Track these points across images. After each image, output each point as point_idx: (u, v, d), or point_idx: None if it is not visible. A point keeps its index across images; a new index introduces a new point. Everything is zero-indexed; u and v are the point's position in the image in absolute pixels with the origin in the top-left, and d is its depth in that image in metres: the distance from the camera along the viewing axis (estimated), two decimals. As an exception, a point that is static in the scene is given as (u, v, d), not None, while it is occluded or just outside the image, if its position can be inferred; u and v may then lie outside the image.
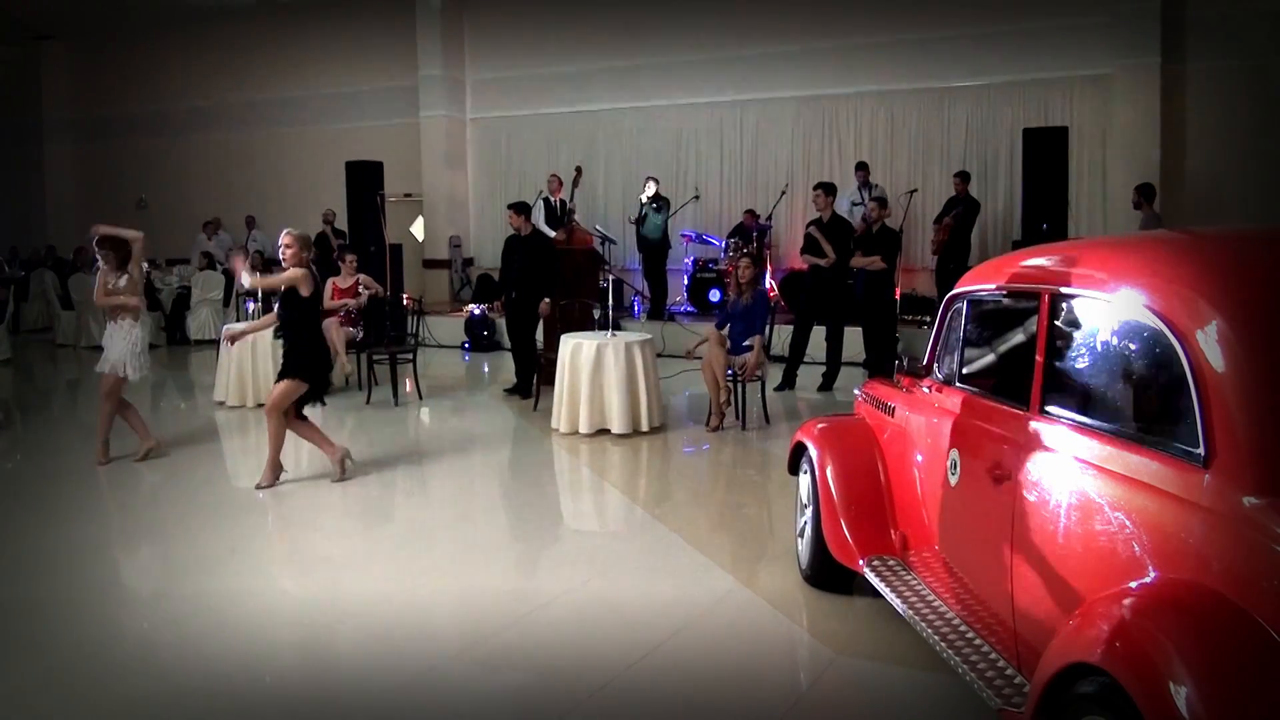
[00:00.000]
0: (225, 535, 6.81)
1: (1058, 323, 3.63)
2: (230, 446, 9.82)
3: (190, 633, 5.15)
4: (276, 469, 7.90)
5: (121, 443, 8.78)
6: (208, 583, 5.90)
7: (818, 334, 11.83)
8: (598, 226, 16.27)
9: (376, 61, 19.84)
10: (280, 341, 8.18)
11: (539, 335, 11.68)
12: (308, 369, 7.75)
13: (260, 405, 10.99)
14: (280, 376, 7.78)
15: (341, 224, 16.81)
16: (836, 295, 11.65)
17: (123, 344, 8.41)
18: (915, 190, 14.84)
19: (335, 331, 11.52)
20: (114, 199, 22.49)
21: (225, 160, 21.79)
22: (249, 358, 11.15)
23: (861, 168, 15.17)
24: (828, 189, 11.80)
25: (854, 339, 12.26)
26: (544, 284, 11.20)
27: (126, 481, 8.27)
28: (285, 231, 7.82)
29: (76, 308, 17.63)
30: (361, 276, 12.22)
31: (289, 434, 7.88)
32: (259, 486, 7.77)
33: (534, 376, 11.20)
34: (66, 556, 6.40)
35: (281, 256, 7.78)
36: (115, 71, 23.27)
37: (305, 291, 7.69)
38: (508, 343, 15.47)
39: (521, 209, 11.56)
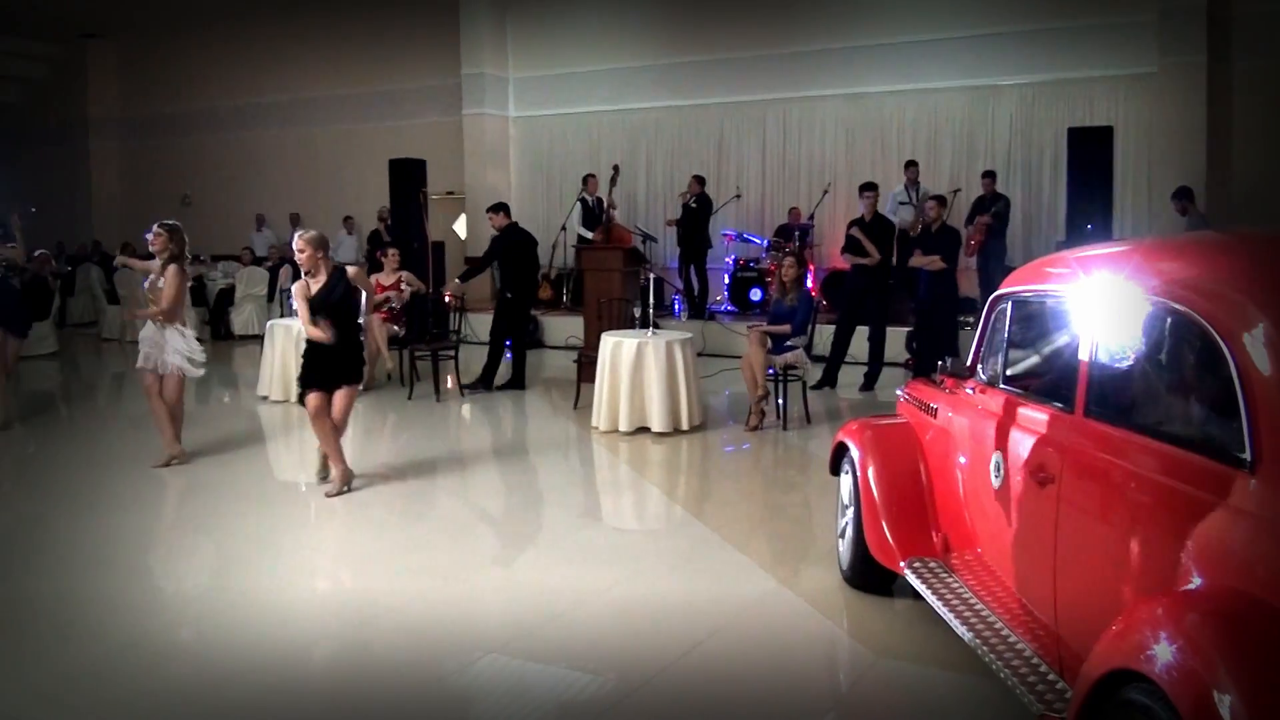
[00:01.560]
0: (268, 529, 6.88)
1: (1103, 324, 3.60)
2: (273, 441, 9.89)
3: (232, 624, 5.19)
4: (347, 470, 7.69)
5: (148, 441, 8.83)
6: (250, 575, 5.96)
7: (860, 333, 11.77)
8: (638, 225, 16.28)
9: (420, 60, 19.91)
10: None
11: (580, 334, 11.77)
12: (359, 370, 7.76)
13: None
14: (331, 383, 7.49)
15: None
16: (879, 295, 11.59)
17: (164, 345, 8.37)
18: (959, 190, 14.74)
19: (378, 328, 11.62)
20: (159, 196, 22.72)
21: (270, 157, 21.95)
22: (293, 354, 11.21)
23: (910, 166, 15.07)
24: (872, 188, 11.76)
25: (894, 338, 12.19)
26: (532, 282, 12.04)
27: (170, 475, 8.34)
28: (298, 236, 7.60)
29: (122, 302, 17.80)
30: (404, 274, 12.28)
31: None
32: (330, 495, 7.54)
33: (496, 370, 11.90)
34: (111, 549, 6.47)
35: (299, 262, 7.61)
36: (161, 70, 23.49)
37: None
38: (549, 340, 15.69)
39: (500, 208, 11.98)
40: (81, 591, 5.71)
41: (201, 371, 8.56)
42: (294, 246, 7.62)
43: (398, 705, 4.35)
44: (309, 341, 7.53)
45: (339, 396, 7.49)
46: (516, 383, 11.98)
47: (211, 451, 8.93)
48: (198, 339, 8.64)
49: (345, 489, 7.57)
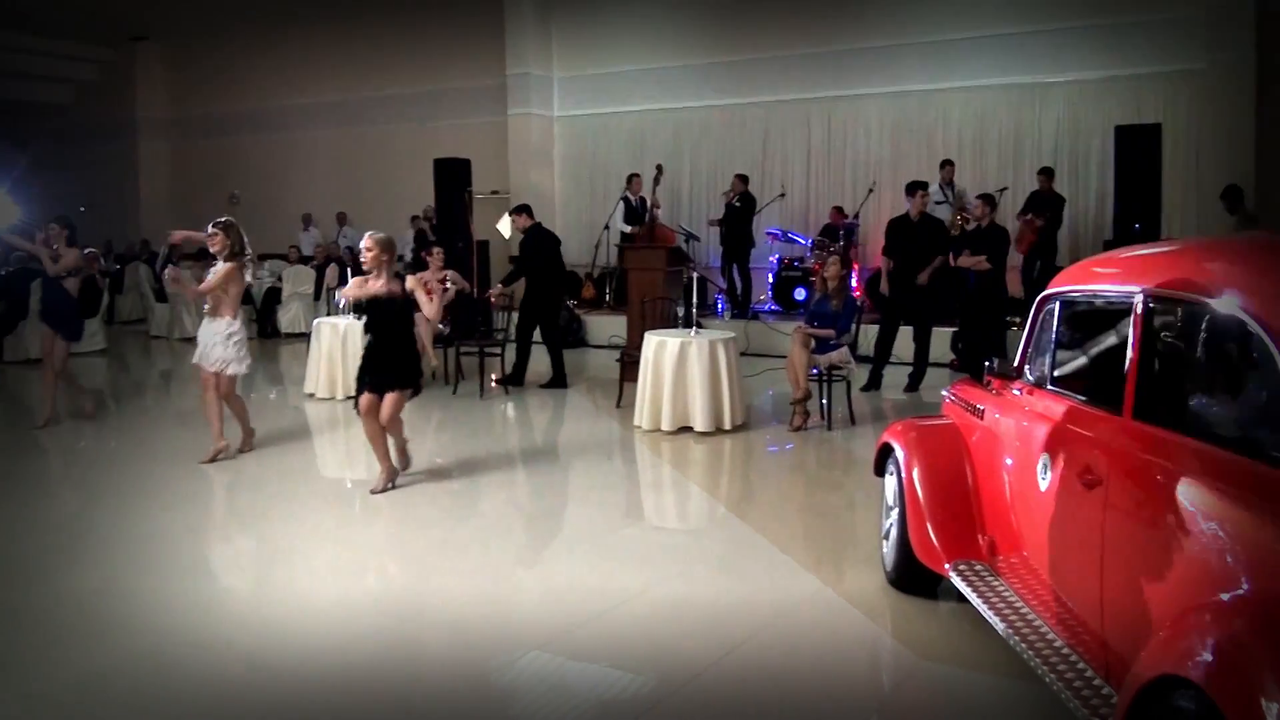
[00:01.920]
0: (312, 526, 6.93)
1: (1152, 326, 3.55)
2: (320, 439, 9.96)
3: (276, 620, 5.24)
4: (392, 469, 7.80)
5: (194, 437, 8.94)
6: (293, 571, 6.02)
7: (905, 333, 11.71)
8: (681, 224, 16.27)
9: (466, 60, 19.97)
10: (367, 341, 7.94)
11: (622, 333, 11.79)
12: (413, 375, 7.73)
13: (350, 398, 11.16)
14: (385, 386, 7.53)
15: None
16: (921, 295, 11.51)
17: (214, 337, 8.53)
18: (1005, 188, 14.61)
19: (423, 326, 11.67)
20: (206, 195, 22.92)
21: (316, 157, 22.11)
22: (339, 351, 11.34)
23: (946, 165, 14.95)
24: (923, 187, 11.70)
25: (939, 339, 12.11)
26: (559, 279, 12.34)
27: (216, 470, 8.42)
28: (368, 235, 7.67)
29: (170, 300, 18.00)
30: (449, 272, 12.33)
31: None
32: (374, 491, 7.62)
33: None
34: (156, 545, 6.54)
35: (362, 260, 7.68)
36: (208, 71, 23.72)
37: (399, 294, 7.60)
38: (592, 340, 15.72)
39: (523, 210, 12.27)
40: (125, 587, 5.77)
41: (243, 369, 8.63)
42: (362, 245, 7.70)
43: (440, 702, 4.38)
44: (367, 344, 7.62)
45: (387, 400, 7.51)
46: (558, 381, 12.01)
47: (258, 448, 9.00)
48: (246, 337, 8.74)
49: (389, 487, 7.63)
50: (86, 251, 11.27)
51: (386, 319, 7.54)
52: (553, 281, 12.26)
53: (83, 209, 24.00)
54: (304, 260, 18.76)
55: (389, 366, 7.55)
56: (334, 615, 5.29)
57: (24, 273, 15.19)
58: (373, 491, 7.57)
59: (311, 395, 11.47)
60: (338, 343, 11.33)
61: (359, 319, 8.09)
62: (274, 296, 18.23)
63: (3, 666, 4.69)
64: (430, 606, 5.40)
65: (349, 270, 13.03)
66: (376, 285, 7.54)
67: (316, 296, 17.84)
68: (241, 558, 6.51)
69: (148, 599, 5.55)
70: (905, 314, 11.66)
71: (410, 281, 7.65)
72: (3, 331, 14.92)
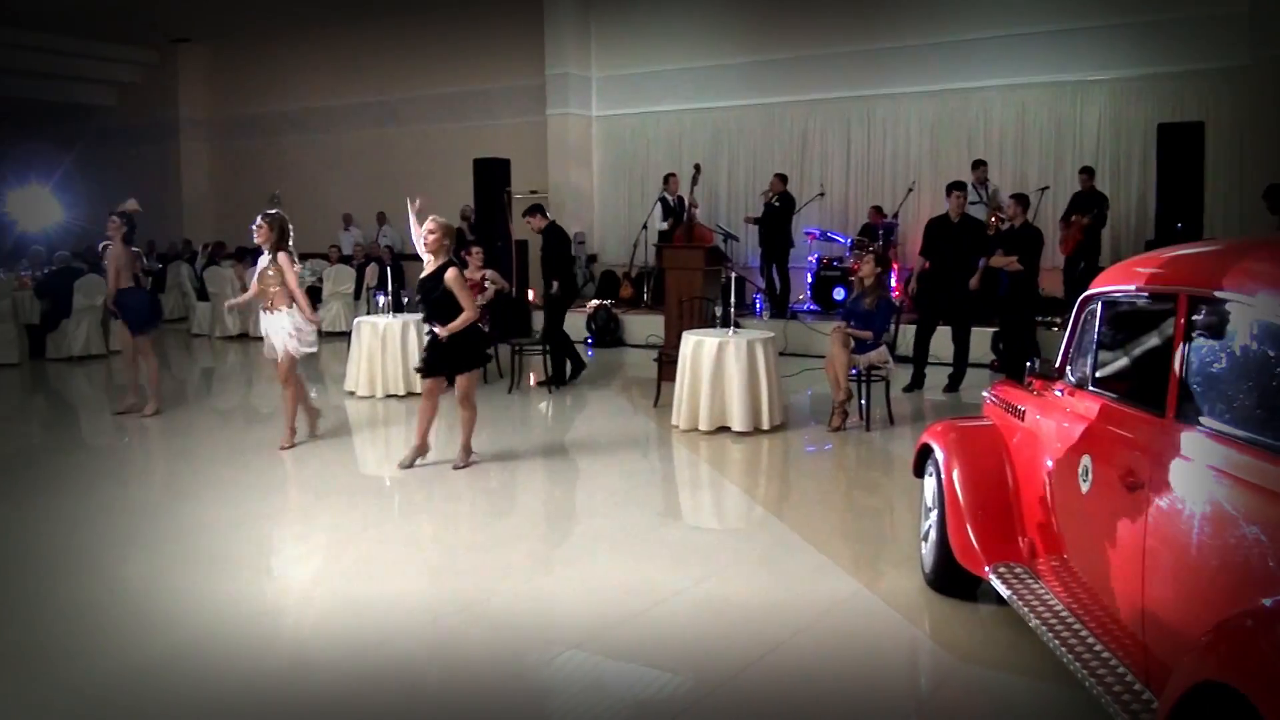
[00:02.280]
0: (352, 522, 6.98)
1: (1195, 326, 3.51)
2: (359, 435, 10.01)
3: (316, 614, 5.27)
4: (423, 448, 8.28)
5: (234, 434, 9.02)
6: (333, 567, 6.07)
7: (943, 334, 11.63)
8: (719, 224, 16.25)
9: (505, 61, 20.02)
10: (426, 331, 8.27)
11: (660, 333, 11.82)
12: (480, 355, 8.28)
13: (390, 396, 11.27)
14: (466, 367, 8.02)
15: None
16: (956, 295, 11.43)
17: (279, 330, 8.78)
18: (1046, 187, 14.51)
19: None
20: (248, 195, 23.09)
21: (356, 158, 22.22)
22: (379, 350, 11.40)
23: (979, 165, 14.83)
24: (961, 188, 11.64)
25: (979, 340, 12.03)
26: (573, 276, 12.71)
27: (261, 466, 8.48)
28: (431, 218, 7.99)
29: (211, 299, 18.15)
30: (488, 271, 12.37)
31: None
32: (456, 467, 8.18)
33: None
34: (201, 539, 6.60)
35: (424, 243, 7.95)
36: (250, 72, 23.94)
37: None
38: (630, 339, 15.74)
39: (536, 210, 12.36)
40: (171, 580, 5.83)
41: (309, 349, 8.84)
42: (425, 228, 8.00)
43: (477, 698, 4.39)
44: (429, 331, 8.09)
45: (458, 382, 8.06)
46: (558, 379, 12.14)
47: (298, 444, 9.07)
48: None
49: (410, 465, 8.17)
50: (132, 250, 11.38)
51: (448, 301, 7.83)
52: (572, 278, 12.41)
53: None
54: (344, 260, 18.88)
55: (452, 349, 7.91)
56: (373, 611, 5.32)
57: (67, 272, 15.38)
58: (400, 465, 8.18)
59: (352, 393, 11.54)
60: (378, 342, 11.41)
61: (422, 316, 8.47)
62: (315, 296, 18.29)
63: (48, 657, 4.75)
64: (468, 603, 5.41)
65: (389, 270, 13.10)
66: (434, 268, 7.92)
67: (357, 296, 17.96)
68: (282, 553, 6.55)
69: (193, 592, 5.60)
70: (942, 314, 11.58)
71: (451, 276, 7.79)
72: (46, 329, 15.09)
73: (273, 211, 8.96)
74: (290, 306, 8.76)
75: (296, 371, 8.97)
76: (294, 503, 7.63)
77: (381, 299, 12.44)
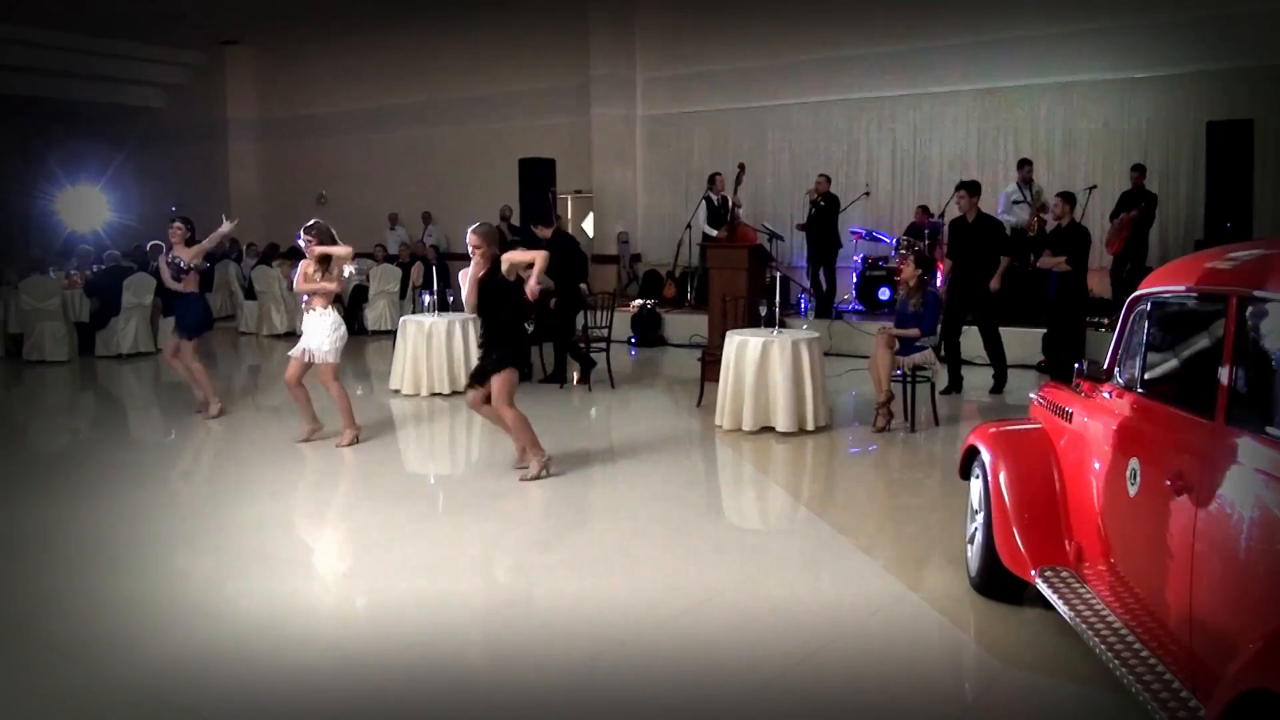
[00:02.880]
0: (398, 521, 7.00)
1: (1245, 327, 3.46)
2: (404, 434, 10.07)
3: (363, 611, 5.31)
4: (541, 454, 8.03)
5: (282, 432, 9.11)
6: (378, 566, 6.08)
7: (974, 335, 11.51)
8: (765, 224, 16.19)
9: (549, 61, 20.06)
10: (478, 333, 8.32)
11: (703, 333, 11.82)
12: (524, 355, 8.17)
13: (435, 394, 11.32)
14: (497, 367, 7.82)
15: (514, 219, 17.21)
16: (977, 296, 11.32)
17: (319, 330, 8.92)
18: (1094, 186, 14.34)
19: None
20: (295, 195, 23.38)
21: (401, 158, 22.35)
22: (424, 349, 11.47)
23: (1024, 164, 14.68)
24: (970, 188, 11.51)
25: (1016, 340, 11.92)
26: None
27: (310, 463, 8.54)
28: (471, 230, 7.97)
29: (258, 298, 18.31)
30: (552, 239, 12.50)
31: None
32: (523, 479, 7.90)
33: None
34: (250, 534, 6.66)
35: (473, 254, 7.95)
36: (297, 74, 24.15)
37: (511, 278, 7.83)
38: (673, 339, 15.74)
39: (544, 219, 12.60)
40: (218, 574, 5.90)
41: (330, 359, 8.90)
42: (468, 242, 7.95)
43: (524, 694, 4.41)
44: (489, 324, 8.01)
45: (493, 382, 7.80)
46: (559, 377, 12.24)
47: (315, 440, 9.15)
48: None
49: (542, 474, 7.93)
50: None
51: (493, 302, 7.82)
52: (572, 291, 12.53)
53: (174, 208, 24.50)
54: (390, 259, 18.99)
55: (492, 348, 7.87)
56: (417, 609, 5.35)
57: (116, 270, 15.57)
58: (522, 479, 7.91)
59: (397, 391, 11.60)
60: (423, 340, 11.48)
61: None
62: (361, 295, 18.47)
63: (100, 649, 4.80)
64: (511, 601, 5.44)
65: (434, 269, 13.17)
66: (480, 271, 7.87)
67: (402, 295, 18.07)
68: (329, 551, 6.61)
69: (243, 588, 5.66)
70: (965, 315, 11.43)
71: (503, 262, 7.83)
72: (95, 327, 15.27)
73: (312, 221, 9.25)
74: (327, 307, 8.88)
75: (335, 376, 9.11)
76: (341, 500, 7.67)
77: (427, 298, 12.50)
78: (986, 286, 11.25)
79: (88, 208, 24.73)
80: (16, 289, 15.16)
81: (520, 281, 7.80)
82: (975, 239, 11.26)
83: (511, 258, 7.82)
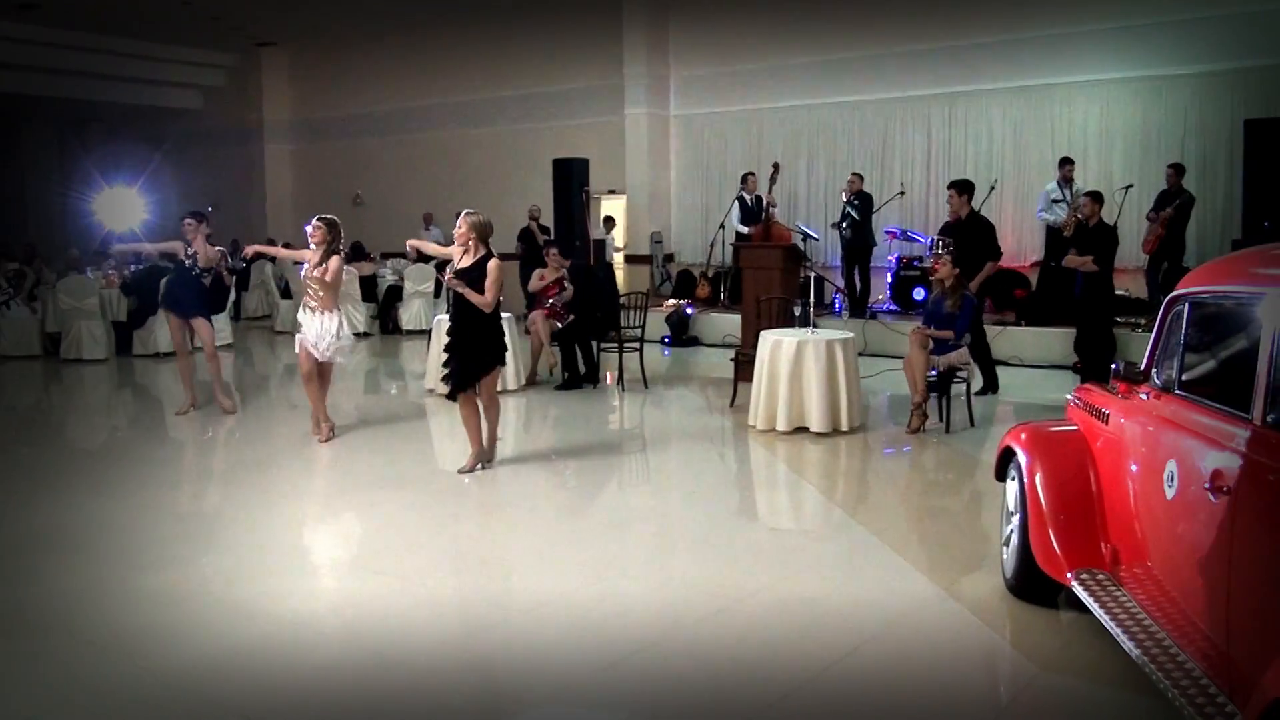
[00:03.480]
0: (426, 518, 7.05)
1: (1285, 329, 3.42)
2: (438, 433, 10.10)
3: (393, 609, 5.31)
4: (482, 451, 8.16)
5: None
6: (410, 565, 6.09)
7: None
8: (799, 223, 16.15)
9: (583, 61, 20.08)
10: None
11: (736, 332, 11.79)
12: (500, 353, 8.10)
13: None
14: (486, 370, 7.92)
15: (545, 219, 17.24)
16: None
17: (315, 329, 8.97)
18: (1131, 185, 14.19)
19: (541, 323, 11.91)
20: (330, 195, 23.48)
21: (436, 158, 22.42)
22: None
23: (1065, 163, 14.56)
24: (960, 187, 11.38)
25: (1050, 341, 11.81)
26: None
27: (339, 462, 8.58)
28: (464, 213, 8.08)
29: (294, 297, 18.40)
30: (566, 272, 12.47)
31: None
32: (481, 467, 8.09)
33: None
34: (279, 532, 6.69)
35: (456, 236, 8.03)
36: (331, 75, 24.28)
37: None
38: (707, 338, 15.73)
39: (552, 244, 12.91)
40: (251, 571, 5.92)
41: (344, 360, 8.98)
42: (456, 229, 8.07)
43: (558, 693, 4.43)
44: (449, 329, 8.06)
45: (482, 384, 7.95)
46: (574, 383, 12.18)
47: (380, 441, 9.18)
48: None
49: (478, 468, 8.09)
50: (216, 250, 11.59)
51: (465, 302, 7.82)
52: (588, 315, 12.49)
53: (211, 208, 24.68)
54: (424, 259, 19.04)
55: (471, 353, 7.88)
56: (450, 608, 5.37)
57: (154, 270, 15.68)
58: (460, 471, 8.01)
59: (431, 391, 11.63)
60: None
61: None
62: (395, 294, 18.56)
63: (136, 644, 4.84)
64: (543, 602, 5.43)
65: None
66: (467, 262, 7.92)
67: (436, 294, 18.12)
68: (364, 549, 6.60)
69: (276, 585, 5.69)
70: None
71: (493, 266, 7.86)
72: (133, 326, 15.40)
73: (329, 216, 9.23)
74: (336, 311, 8.89)
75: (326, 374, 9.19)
76: (375, 499, 7.67)
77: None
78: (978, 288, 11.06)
79: (125, 208, 24.89)
80: (55, 288, 15.34)
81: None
82: (960, 239, 11.08)
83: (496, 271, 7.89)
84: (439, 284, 18.12)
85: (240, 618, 5.24)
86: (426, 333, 14.56)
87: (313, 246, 9.01)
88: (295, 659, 4.76)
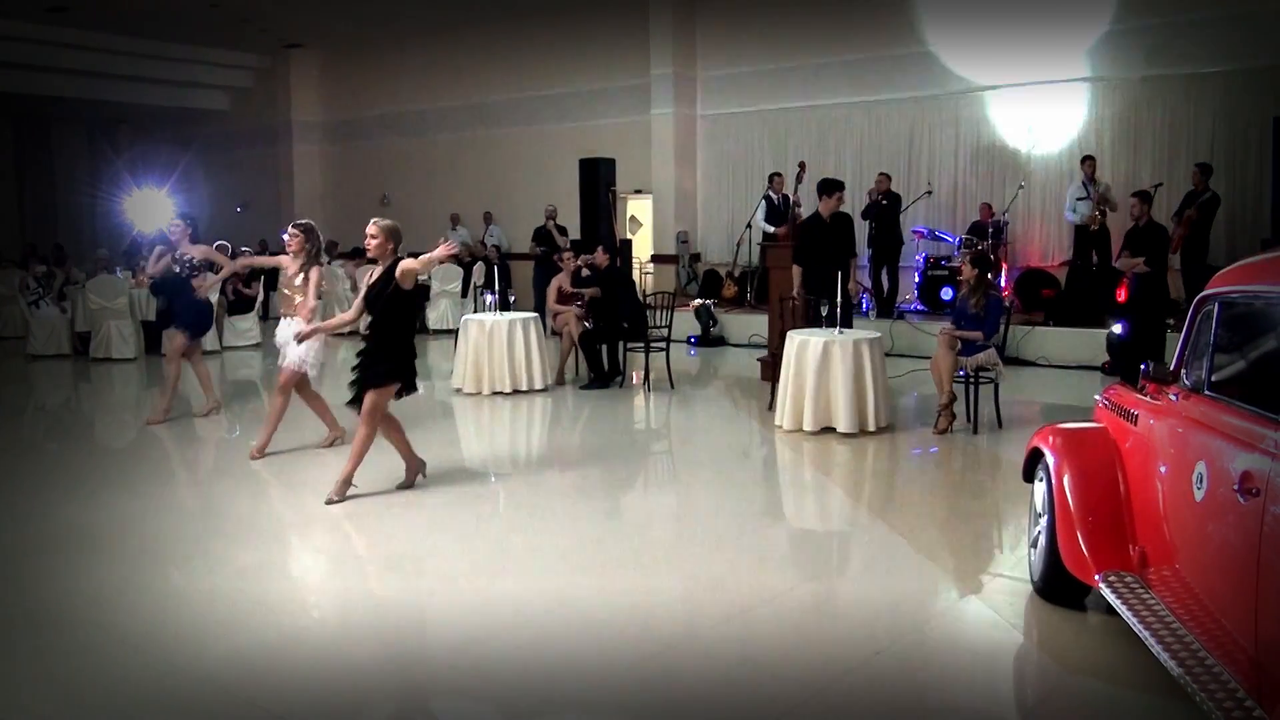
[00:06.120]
0: (453, 519, 7.06)
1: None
2: (464, 432, 10.14)
3: (420, 609, 5.33)
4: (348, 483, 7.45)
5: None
6: (436, 563, 6.11)
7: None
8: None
9: (609, 61, 20.08)
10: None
11: (762, 332, 11.76)
12: (401, 371, 7.34)
13: (496, 393, 11.37)
14: (379, 382, 7.24)
15: (571, 219, 17.25)
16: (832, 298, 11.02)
17: (286, 333, 8.73)
18: (1160, 184, 14.08)
19: (574, 324, 12.01)
20: (358, 195, 23.61)
21: (464, 158, 22.50)
22: (486, 347, 11.52)
23: (1087, 160, 14.46)
24: (826, 187, 11.38)
25: (1078, 341, 11.72)
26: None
27: (367, 462, 8.58)
28: (373, 221, 7.42)
29: (323, 298, 18.46)
30: (586, 273, 12.54)
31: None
32: (329, 501, 7.28)
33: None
34: (307, 529, 6.74)
35: (366, 247, 7.42)
36: (358, 76, 24.39)
37: (408, 285, 7.26)
38: (732, 338, 15.73)
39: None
40: (274, 570, 5.95)
41: (314, 373, 8.85)
42: (367, 231, 7.39)
43: (583, 693, 4.43)
44: (373, 335, 7.41)
45: (366, 396, 7.27)
46: (599, 383, 12.16)
47: (410, 440, 9.18)
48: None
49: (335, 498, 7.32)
50: (217, 244, 11.65)
51: (386, 307, 7.28)
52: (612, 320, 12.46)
53: (240, 209, 24.97)
54: (451, 259, 19.12)
55: (367, 362, 7.29)
56: (474, 610, 5.37)
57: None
58: (399, 486, 7.66)
59: (459, 390, 11.66)
60: (484, 339, 11.53)
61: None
62: (423, 294, 18.63)
63: (163, 641, 4.87)
64: (564, 603, 5.43)
65: (496, 268, 13.23)
66: (377, 273, 7.32)
67: (464, 294, 18.18)
68: (391, 549, 6.59)
69: (304, 583, 5.73)
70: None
71: (417, 263, 7.26)
72: (161, 325, 15.49)
73: (304, 221, 8.98)
74: (311, 318, 8.68)
75: (293, 388, 8.84)
76: (403, 499, 7.66)
77: (489, 297, 12.56)
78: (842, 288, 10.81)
79: (154, 209, 25.06)
80: (84, 288, 15.46)
81: (416, 290, 7.32)
82: (831, 238, 10.97)
83: (409, 265, 7.18)
84: (466, 284, 18.20)
85: (271, 615, 5.26)
86: (454, 332, 14.59)
87: (290, 254, 8.88)
88: (325, 658, 4.78)
